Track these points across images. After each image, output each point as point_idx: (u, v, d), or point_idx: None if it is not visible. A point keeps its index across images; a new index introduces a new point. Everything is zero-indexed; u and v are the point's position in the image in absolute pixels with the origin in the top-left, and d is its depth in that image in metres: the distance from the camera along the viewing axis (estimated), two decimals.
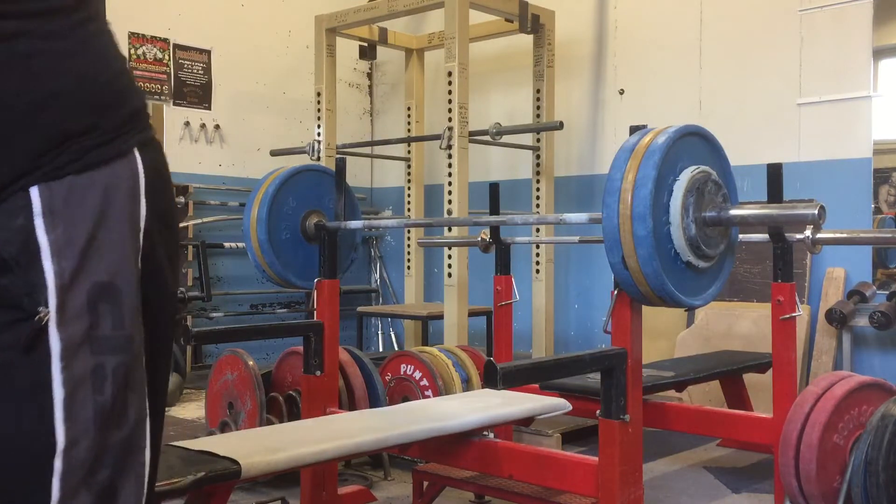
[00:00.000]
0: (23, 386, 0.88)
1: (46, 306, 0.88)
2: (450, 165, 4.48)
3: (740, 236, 2.45)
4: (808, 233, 2.89)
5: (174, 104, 5.58)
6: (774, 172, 2.95)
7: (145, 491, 0.96)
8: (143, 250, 0.95)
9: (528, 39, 5.25)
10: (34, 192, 0.88)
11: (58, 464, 0.89)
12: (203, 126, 5.75)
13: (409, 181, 6.01)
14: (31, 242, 0.88)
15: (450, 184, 4.47)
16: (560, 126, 4.96)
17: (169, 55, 5.54)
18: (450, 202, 4.46)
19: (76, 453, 0.89)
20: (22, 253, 0.88)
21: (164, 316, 1.00)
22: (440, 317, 4.72)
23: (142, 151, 0.96)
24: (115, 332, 0.92)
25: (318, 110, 5.40)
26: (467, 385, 3.66)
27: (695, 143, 2.13)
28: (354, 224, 3.08)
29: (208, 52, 5.76)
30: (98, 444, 0.91)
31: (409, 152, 6.01)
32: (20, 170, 0.88)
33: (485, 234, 3.62)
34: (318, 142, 5.40)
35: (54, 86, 0.90)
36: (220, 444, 2.23)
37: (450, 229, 4.49)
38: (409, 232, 5.91)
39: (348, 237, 3.22)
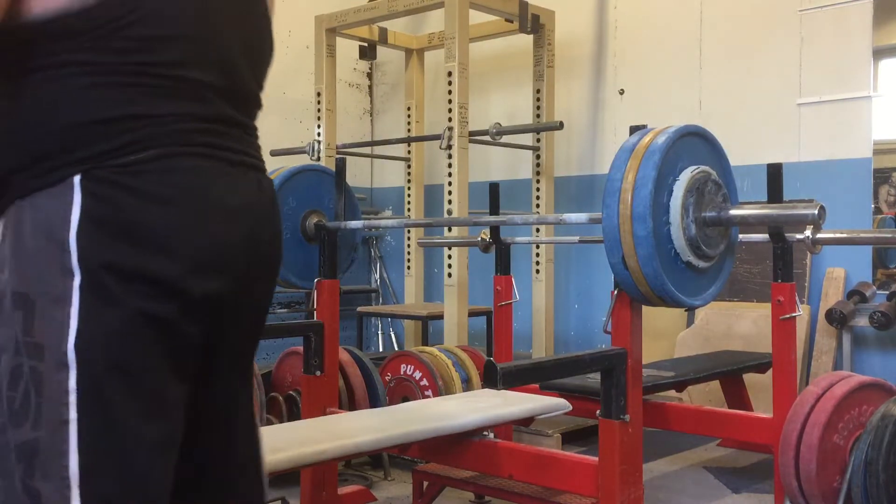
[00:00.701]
0: None
1: None
2: (450, 165, 4.48)
3: (740, 236, 2.45)
4: (808, 233, 2.89)
5: None
6: (774, 172, 2.95)
7: (76, 495, 1.00)
8: (82, 268, 1.01)
9: (528, 39, 5.25)
10: None
11: None
12: None
13: (409, 181, 6.01)
14: None
15: (450, 184, 4.47)
16: (560, 126, 4.96)
17: None
18: (450, 202, 4.46)
19: None
20: None
21: (109, 330, 1.03)
22: (440, 317, 4.71)
23: (95, 186, 1.03)
24: (27, 339, 1.00)
25: (318, 110, 5.40)
26: (467, 385, 3.66)
27: (695, 143, 2.13)
28: (354, 224, 3.08)
29: None
30: (13, 437, 1.01)
31: (409, 152, 6.01)
32: None
33: (485, 234, 3.62)
34: (318, 142, 5.40)
35: (6, 126, 1.04)
36: None
37: (450, 229, 4.49)
38: (409, 232, 5.90)
39: (348, 237, 3.22)
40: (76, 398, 1.00)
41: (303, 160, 5.11)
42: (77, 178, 1.02)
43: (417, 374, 3.62)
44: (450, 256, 4.51)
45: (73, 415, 1.00)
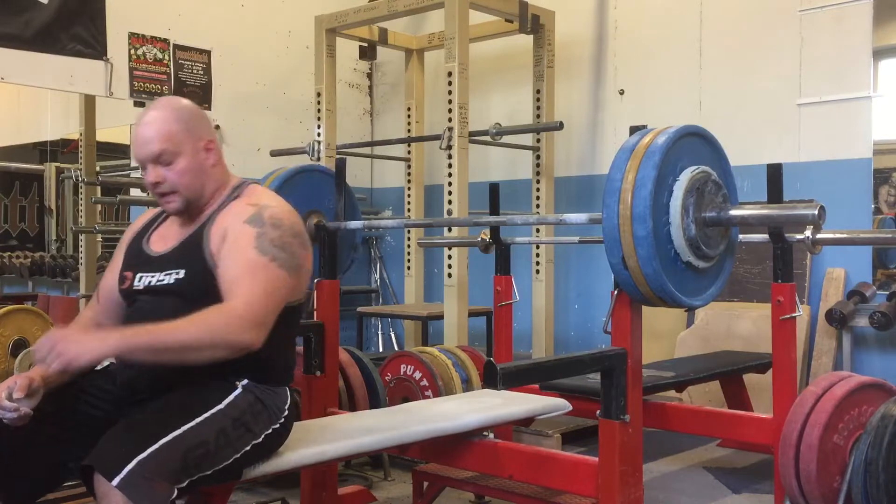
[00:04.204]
0: None
1: None
2: (450, 165, 4.48)
3: (740, 236, 2.45)
4: (808, 233, 2.89)
5: None
6: (774, 172, 2.95)
7: None
8: (286, 416, 2.11)
9: (528, 39, 5.25)
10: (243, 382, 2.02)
11: None
12: None
13: (409, 181, 6.01)
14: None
15: (450, 184, 4.47)
16: (560, 126, 4.96)
17: (169, 55, 5.54)
18: (450, 202, 4.46)
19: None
20: None
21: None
22: (440, 317, 4.71)
23: (290, 391, 2.17)
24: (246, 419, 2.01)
25: (318, 110, 5.40)
26: (467, 385, 3.66)
27: (695, 143, 2.13)
28: (354, 224, 3.08)
29: (208, 53, 5.75)
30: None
31: (409, 152, 6.01)
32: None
33: (485, 234, 3.62)
34: (318, 142, 5.39)
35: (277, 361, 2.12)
36: None
37: (450, 229, 4.48)
38: (409, 232, 5.90)
39: (348, 237, 3.21)
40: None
41: (303, 160, 5.11)
42: (288, 389, 2.14)
43: (417, 375, 3.62)
44: (450, 256, 4.51)
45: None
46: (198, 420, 1.85)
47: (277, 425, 2.05)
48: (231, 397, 1.95)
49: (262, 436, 2.00)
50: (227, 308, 1.87)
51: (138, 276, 2.06)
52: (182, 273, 1.99)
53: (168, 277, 2.00)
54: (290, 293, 1.99)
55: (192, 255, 2.00)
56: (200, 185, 2.06)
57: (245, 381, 1.99)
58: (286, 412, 2.08)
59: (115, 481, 1.66)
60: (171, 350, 1.82)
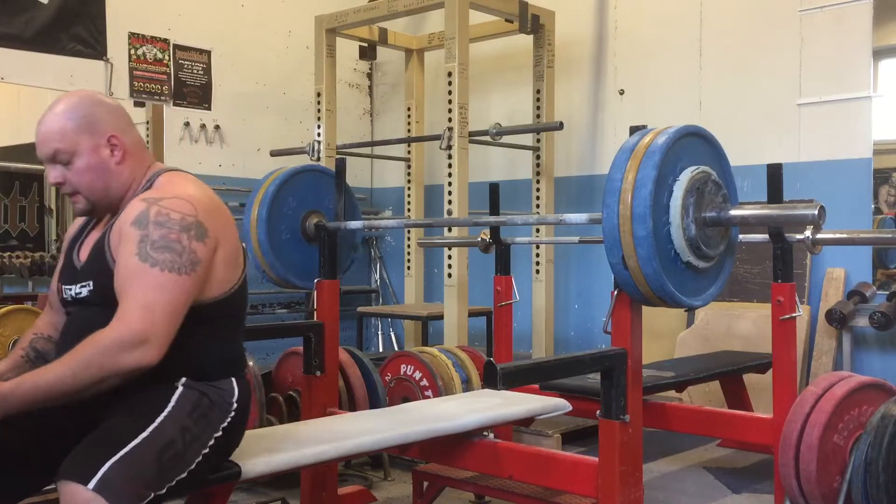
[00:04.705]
0: None
1: None
2: (450, 166, 4.48)
3: (740, 236, 2.45)
4: (808, 233, 2.88)
5: (174, 104, 5.58)
6: (774, 172, 2.95)
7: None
8: (236, 408, 2.02)
9: (528, 39, 5.25)
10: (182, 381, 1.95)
11: None
12: (203, 126, 5.75)
13: (409, 181, 6.01)
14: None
15: (450, 184, 4.47)
16: (560, 126, 4.96)
17: (169, 55, 5.54)
18: (450, 202, 4.46)
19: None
20: None
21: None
22: (440, 317, 4.71)
23: (242, 384, 2.06)
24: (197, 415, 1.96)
25: (318, 110, 5.40)
26: (467, 385, 3.66)
27: (695, 143, 2.13)
28: (354, 224, 3.08)
29: (208, 53, 5.76)
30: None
31: (409, 152, 6.01)
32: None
33: (485, 234, 3.62)
34: (318, 142, 5.39)
35: (213, 355, 2.03)
36: None
37: (450, 229, 4.48)
38: (409, 232, 5.90)
39: (348, 237, 3.21)
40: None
41: (303, 160, 5.11)
42: (234, 379, 2.04)
43: (417, 375, 3.62)
44: (450, 256, 4.51)
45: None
46: (158, 422, 1.82)
47: (229, 418, 1.97)
48: (176, 395, 1.89)
49: (221, 429, 1.95)
50: (102, 336, 1.76)
51: (64, 288, 2.02)
52: (91, 284, 1.93)
53: (83, 290, 1.95)
54: (190, 293, 1.86)
55: (99, 263, 1.93)
56: (104, 185, 1.97)
57: (183, 380, 1.93)
58: (235, 404, 1.99)
59: (91, 484, 1.63)
60: (64, 394, 1.74)
